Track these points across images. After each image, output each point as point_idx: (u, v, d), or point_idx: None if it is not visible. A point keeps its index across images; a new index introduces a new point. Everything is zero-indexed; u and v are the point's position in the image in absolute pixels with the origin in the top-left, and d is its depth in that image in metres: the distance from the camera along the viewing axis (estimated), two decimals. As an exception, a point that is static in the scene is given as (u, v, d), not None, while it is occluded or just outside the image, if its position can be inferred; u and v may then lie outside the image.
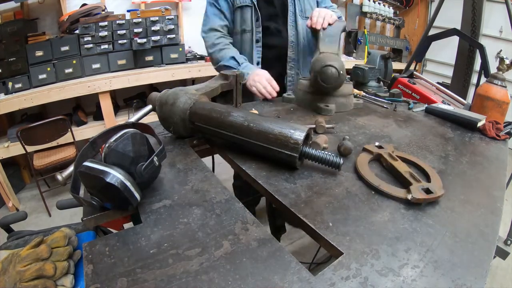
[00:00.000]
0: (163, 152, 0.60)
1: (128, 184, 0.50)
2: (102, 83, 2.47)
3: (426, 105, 1.24)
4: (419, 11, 4.38)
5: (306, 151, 0.67)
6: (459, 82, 2.33)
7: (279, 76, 1.36)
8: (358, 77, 1.48)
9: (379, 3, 4.01)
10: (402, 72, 1.89)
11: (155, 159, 0.57)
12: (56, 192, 2.50)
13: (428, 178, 0.67)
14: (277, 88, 1.21)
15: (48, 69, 2.34)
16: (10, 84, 2.22)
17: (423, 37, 2.10)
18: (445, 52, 3.59)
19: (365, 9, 3.90)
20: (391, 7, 4.20)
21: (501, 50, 1.25)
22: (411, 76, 1.75)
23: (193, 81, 3.02)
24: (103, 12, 2.58)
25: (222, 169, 1.15)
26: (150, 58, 2.72)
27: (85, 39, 2.43)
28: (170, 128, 0.81)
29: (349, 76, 1.61)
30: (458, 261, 0.47)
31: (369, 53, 1.80)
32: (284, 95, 1.25)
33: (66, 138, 2.31)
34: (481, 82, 1.29)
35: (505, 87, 1.15)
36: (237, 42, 1.38)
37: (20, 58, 2.24)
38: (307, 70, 1.39)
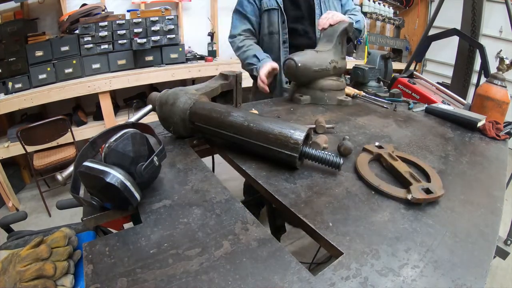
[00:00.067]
0: (163, 152, 0.60)
1: (128, 184, 0.49)
2: (102, 83, 2.47)
3: (426, 105, 1.25)
4: (419, 11, 4.38)
5: (306, 151, 0.67)
6: (459, 82, 2.33)
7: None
8: (358, 77, 1.48)
9: (379, 3, 4.01)
10: (402, 72, 1.90)
11: (155, 159, 0.57)
12: (56, 192, 2.50)
13: (428, 178, 0.67)
14: (265, 81, 1.24)
15: (48, 69, 2.34)
16: (10, 84, 2.22)
17: (423, 37, 2.10)
18: (445, 52, 3.58)
19: (365, 9, 3.90)
20: (391, 7, 4.20)
21: (501, 50, 1.25)
22: (411, 76, 1.75)
23: (193, 81, 3.02)
24: (103, 12, 2.58)
25: (222, 169, 1.14)
26: (150, 58, 2.72)
27: (85, 39, 2.43)
28: (170, 128, 0.81)
29: (348, 76, 1.62)
30: (458, 261, 0.47)
31: (369, 53, 1.80)
32: (284, 86, 1.44)
33: (66, 138, 2.31)
34: (481, 82, 1.29)
35: (505, 87, 1.15)
36: (265, 43, 1.46)
37: (20, 58, 2.24)
38: None
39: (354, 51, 4.05)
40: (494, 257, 0.77)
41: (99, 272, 0.42)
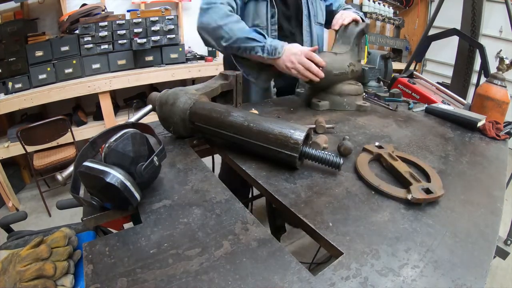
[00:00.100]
0: (163, 152, 0.60)
1: (128, 184, 0.49)
2: (102, 83, 2.47)
3: (426, 105, 1.24)
4: (419, 11, 4.37)
5: (306, 151, 0.67)
6: (459, 82, 2.33)
7: (293, 80, 1.31)
8: (358, 77, 1.48)
9: (379, 3, 4.00)
10: (402, 72, 1.89)
11: (155, 159, 0.57)
12: (56, 192, 2.50)
13: (428, 178, 0.67)
14: (323, 63, 1.03)
15: (48, 69, 2.34)
16: (10, 84, 2.23)
17: (423, 37, 2.10)
18: (445, 52, 3.58)
19: (365, 9, 3.89)
20: (391, 7, 4.19)
21: (501, 50, 1.25)
22: (411, 76, 1.75)
23: (193, 81, 3.02)
24: (103, 12, 2.58)
25: (222, 169, 1.15)
26: (150, 58, 2.72)
27: (85, 39, 2.43)
28: (170, 128, 0.81)
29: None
30: (458, 261, 0.47)
31: (369, 53, 1.80)
32: (297, 90, 1.34)
33: (66, 138, 2.31)
34: (481, 82, 1.29)
35: (505, 87, 1.15)
36: None
37: (20, 58, 2.24)
38: None
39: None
40: (494, 257, 0.77)
41: (99, 272, 0.42)
